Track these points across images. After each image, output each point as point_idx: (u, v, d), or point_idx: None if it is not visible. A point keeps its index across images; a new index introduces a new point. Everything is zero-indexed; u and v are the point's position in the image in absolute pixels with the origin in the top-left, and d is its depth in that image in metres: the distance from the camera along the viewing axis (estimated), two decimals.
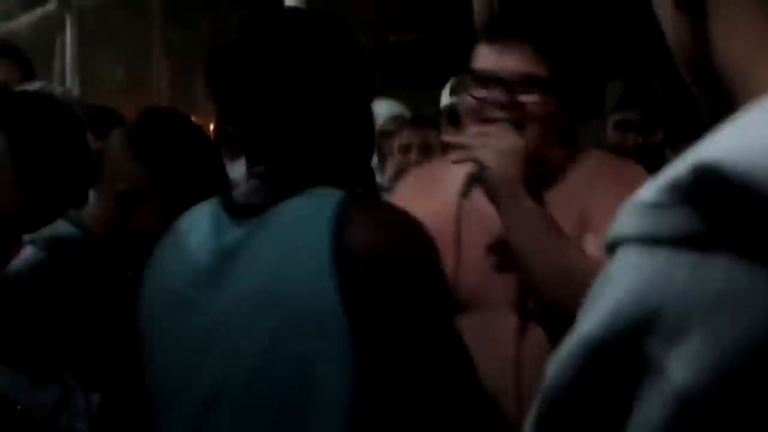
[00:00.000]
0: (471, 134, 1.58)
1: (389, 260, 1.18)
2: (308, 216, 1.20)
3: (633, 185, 1.62)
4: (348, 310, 1.14)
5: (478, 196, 1.58)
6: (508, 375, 1.54)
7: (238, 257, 1.23)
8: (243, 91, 1.30)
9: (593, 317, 0.47)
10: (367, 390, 1.15)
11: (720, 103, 0.54)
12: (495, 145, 1.52)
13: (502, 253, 1.60)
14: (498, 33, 1.64)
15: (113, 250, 1.63)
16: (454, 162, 1.60)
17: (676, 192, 0.45)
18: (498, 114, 1.59)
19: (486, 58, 1.63)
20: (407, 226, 1.23)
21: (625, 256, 0.47)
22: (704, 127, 0.49)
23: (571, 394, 0.47)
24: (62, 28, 9.35)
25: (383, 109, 3.44)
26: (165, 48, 7.57)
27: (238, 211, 1.28)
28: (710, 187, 0.43)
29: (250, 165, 1.34)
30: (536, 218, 1.52)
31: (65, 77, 9.24)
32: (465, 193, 1.58)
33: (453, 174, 1.66)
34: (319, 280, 1.15)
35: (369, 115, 1.38)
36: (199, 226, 1.31)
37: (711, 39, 0.55)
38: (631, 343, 0.45)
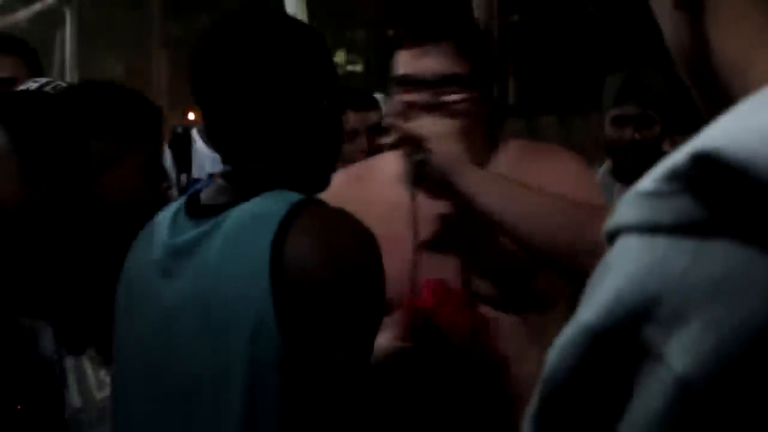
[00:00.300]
0: (410, 126, 1.61)
1: (323, 278, 1.16)
2: (256, 220, 1.20)
3: (558, 163, 1.65)
4: (279, 319, 1.14)
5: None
6: None
7: (188, 256, 1.24)
8: (208, 91, 1.32)
9: (593, 305, 0.47)
10: (295, 397, 1.16)
11: (719, 102, 0.54)
12: (433, 128, 1.57)
13: (455, 239, 1.65)
14: (418, 37, 1.67)
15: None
16: (397, 142, 1.61)
17: (675, 180, 0.45)
18: (425, 116, 1.62)
19: (409, 62, 1.66)
20: (351, 241, 1.20)
21: (625, 245, 0.48)
22: (703, 122, 0.50)
23: (571, 383, 0.47)
24: (62, 22, 9.35)
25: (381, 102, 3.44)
26: (164, 42, 7.55)
27: (197, 211, 1.29)
28: (709, 174, 0.44)
29: (222, 163, 1.36)
30: (497, 178, 1.57)
31: (65, 71, 9.23)
32: (417, 180, 1.61)
33: (381, 170, 1.74)
34: (256, 287, 1.15)
35: (335, 116, 1.38)
36: (163, 222, 1.33)
37: (709, 37, 0.55)
38: (630, 331, 0.45)
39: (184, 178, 3.26)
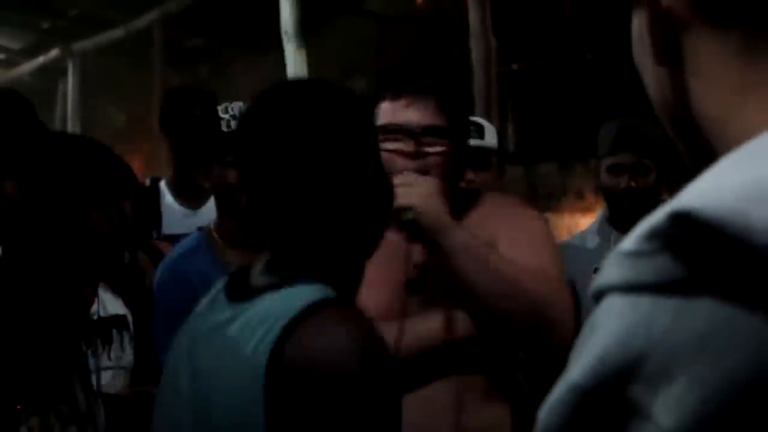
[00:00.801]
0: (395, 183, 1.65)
1: (319, 390, 1.09)
2: (269, 316, 1.15)
3: (524, 214, 1.82)
4: (268, 425, 1.10)
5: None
6: None
7: (207, 347, 1.23)
8: (252, 171, 1.27)
9: (580, 365, 0.48)
10: None
11: (702, 154, 0.56)
12: (418, 189, 1.66)
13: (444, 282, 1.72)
14: (401, 90, 1.79)
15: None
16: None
17: (655, 239, 0.46)
18: (407, 164, 1.73)
19: (392, 113, 1.78)
20: (357, 351, 1.11)
21: (610, 305, 0.48)
22: (692, 172, 0.51)
23: None
24: (64, 74, 9.43)
25: None
26: (165, 91, 7.63)
27: (233, 293, 1.26)
28: (688, 234, 0.44)
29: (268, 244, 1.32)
30: (474, 240, 1.66)
31: (67, 122, 9.29)
32: (409, 236, 1.69)
33: None
34: (250, 386, 1.11)
35: (382, 197, 1.33)
36: (208, 295, 1.31)
37: (690, 92, 0.57)
38: (617, 389, 0.45)
39: (155, 234, 3.07)
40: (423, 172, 1.73)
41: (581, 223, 3.13)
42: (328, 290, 1.18)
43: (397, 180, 1.63)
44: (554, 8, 6.83)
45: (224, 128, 2.18)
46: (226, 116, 2.20)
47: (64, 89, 9.56)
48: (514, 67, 7.83)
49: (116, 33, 8.50)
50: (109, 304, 2.31)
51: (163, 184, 3.19)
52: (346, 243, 1.29)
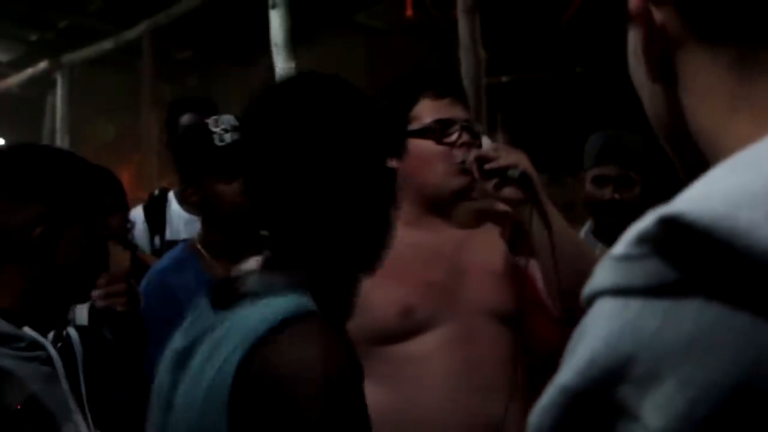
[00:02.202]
0: (494, 147, 1.88)
1: (281, 406, 1.08)
2: (237, 335, 1.14)
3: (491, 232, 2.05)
4: None
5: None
6: None
7: (189, 359, 1.22)
8: (257, 161, 1.26)
9: (570, 367, 0.49)
10: None
11: (696, 167, 0.56)
12: (516, 153, 1.81)
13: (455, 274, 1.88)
14: (445, 90, 1.94)
15: None
16: (497, 166, 1.79)
17: (645, 244, 0.47)
18: (464, 154, 1.85)
19: (438, 110, 1.91)
20: (321, 368, 1.08)
21: (600, 308, 0.49)
22: (683, 183, 0.52)
23: None
24: (53, 85, 9.41)
25: None
26: (154, 103, 7.59)
27: (218, 301, 1.24)
28: (676, 237, 0.46)
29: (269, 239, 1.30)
30: (557, 213, 1.82)
31: (55, 134, 9.27)
32: (530, 199, 1.80)
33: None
34: (217, 411, 1.11)
35: (387, 191, 1.30)
36: (194, 308, 1.30)
37: (684, 107, 0.59)
38: (606, 391, 0.46)
39: (157, 240, 3.19)
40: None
41: None
42: (308, 302, 1.16)
43: (492, 146, 1.86)
44: (544, 21, 6.85)
45: (217, 142, 2.18)
46: (217, 130, 2.20)
47: (52, 101, 9.52)
48: (504, 79, 7.85)
49: (105, 45, 8.49)
50: (79, 312, 2.29)
51: (171, 193, 3.30)
52: (346, 248, 1.26)
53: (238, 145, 2.16)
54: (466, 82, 4.75)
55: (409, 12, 7.31)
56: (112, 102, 9.34)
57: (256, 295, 1.17)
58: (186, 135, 2.41)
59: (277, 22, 5.17)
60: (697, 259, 0.45)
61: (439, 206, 1.92)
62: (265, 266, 1.25)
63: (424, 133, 1.87)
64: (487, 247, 1.96)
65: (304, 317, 1.14)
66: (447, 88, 1.95)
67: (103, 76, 9.33)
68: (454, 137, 1.88)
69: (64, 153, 1.66)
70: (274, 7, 5.18)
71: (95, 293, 1.72)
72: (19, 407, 1.40)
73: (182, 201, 3.17)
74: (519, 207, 1.81)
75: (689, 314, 0.45)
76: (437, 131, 1.88)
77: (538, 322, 1.84)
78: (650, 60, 0.60)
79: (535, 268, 1.85)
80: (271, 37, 5.19)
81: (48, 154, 1.61)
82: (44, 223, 1.49)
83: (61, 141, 8.90)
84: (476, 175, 1.82)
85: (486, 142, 2.70)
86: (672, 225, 0.46)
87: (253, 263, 1.28)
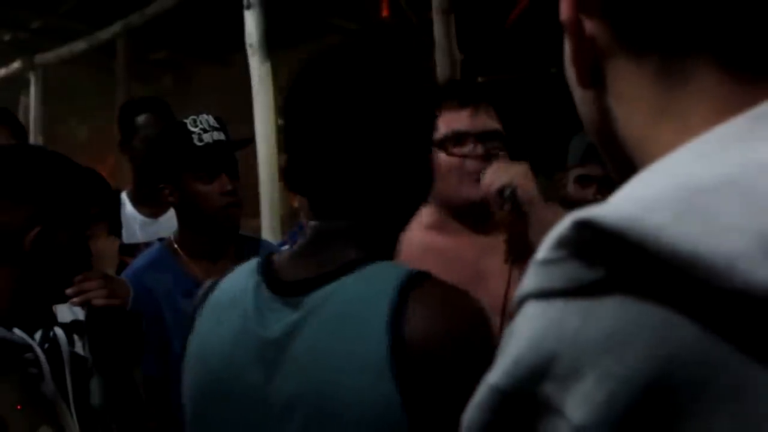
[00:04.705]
0: (493, 169, 1.87)
1: (446, 356, 1.10)
2: (364, 304, 1.12)
3: None
4: (406, 407, 1.08)
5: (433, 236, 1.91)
6: None
7: (287, 347, 1.16)
8: (302, 132, 1.24)
9: (499, 367, 0.51)
10: None
11: (626, 172, 0.59)
12: (515, 169, 1.83)
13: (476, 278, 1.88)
14: (465, 100, 1.94)
15: None
16: (491, 185, 1.84)
17: (563, 247, 0.49)
18: (478, 166, 1.88)
19: (458, 120, 1.92)
20: (469, 317, 1.14)
21: (526, 311, 0.52)
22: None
23: None
24: (26, 86, 9.33)
25: None
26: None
27: (281, 288, 1.21)
28: (591, 240, 0.48)
29: (311, 216, 1.28)
30: (554, 211, 1.81)
31: (29, 134, 9.18)
32: (511, 208, 1.83)
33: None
34: (377, 374, 1.09)
35: (428, 170, 1.31)
36: (240, 301, 1.24)
37: (612, 113, 0.62)
38: (531, 388, 0.49)
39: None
40: None
41: None
42: (401, 270, 1.16)
43: (492, 167, 1.85)
44: (519, 22, 6.87)
45: (196, 142, 2.17)
46: (196, 129, 2.19)
47: (26, 101, 9.44)
48: (479, 80, 7.87)
49: (79, 45, 8.42)
50: (60, 312, 2.28)
51: (124, 195, 3.20)
52: (390, 214, 1.27)
53: (217, 146, 2.17)
54: (442, 83, 4.76)
55: (384, 13, 7.31)
56: (86, 102, 9.28)
57: (349, 268, 1.17)
58: (163, 134, 2.41)
59: (252, 22, 5.16)
60: (612, 260, 0.47)
61: (459, 214, 1.95)
62: (324, 238, 1.23)
63: (437, 144, 1.88)
64: (497, 252, 1.97)
65: (419, 276, 1.15)
66: (466, 98, 1.96)
67: (77, 77, 9.26)
68: (467, 149, 1.90)
69: (57, 156, 1.65)
70: (249, 7, 5.17)
71: (69, 291, 1.71)
72: (19, 408, 1.39)
73: (140, 202, 3.13)
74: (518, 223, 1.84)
75: (608, 312, 0.47)
76: (449, 143, 1.91)
77: None
78: (580, 68, 0.63)
79: None
80: (246, 38, 5.18)
81: (43, 156, 1.60)
82: (38, 226, 1.48)
83: (34, 141, 8.82)
84: (488, 195, 1.86)
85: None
86: (586, 228, 0.48)
87: None
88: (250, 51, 5.15)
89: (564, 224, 0.49)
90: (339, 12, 8.01)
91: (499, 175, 1.83)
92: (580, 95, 0.66)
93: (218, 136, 2.21)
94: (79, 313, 2.38)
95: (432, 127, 1.31)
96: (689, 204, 0.46)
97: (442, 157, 1.90)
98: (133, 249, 2.79)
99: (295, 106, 1.25)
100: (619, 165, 0.64)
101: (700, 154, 0.51)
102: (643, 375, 0.44)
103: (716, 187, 0.47)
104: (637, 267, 0.46)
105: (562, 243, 0.49)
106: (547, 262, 0.50)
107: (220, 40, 7.58)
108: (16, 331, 1.49)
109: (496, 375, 0.51)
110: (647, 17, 0.56)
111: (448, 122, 1.92)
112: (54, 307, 1.82)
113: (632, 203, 0.48)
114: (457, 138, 1.92)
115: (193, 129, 2.19)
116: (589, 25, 0.60)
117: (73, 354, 1.68)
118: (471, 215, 1.96)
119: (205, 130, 2.18)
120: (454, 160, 1.91)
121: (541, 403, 0.48)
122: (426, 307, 1.12)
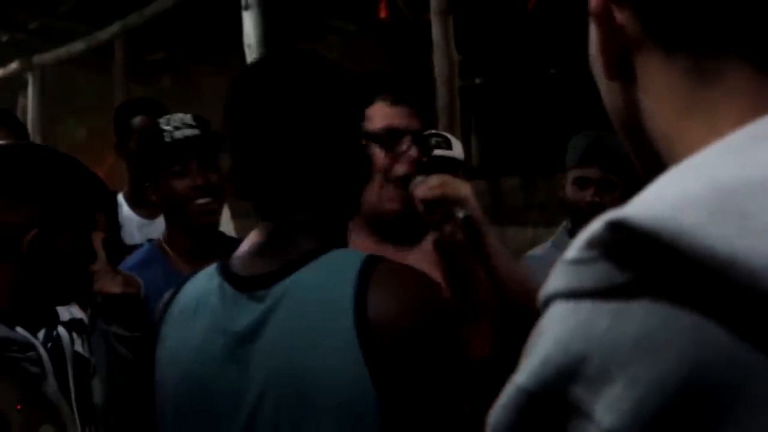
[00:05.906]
0: (435, 184, 1.76)
1: (409, 329, 1.15)
2: (328, 290, 1.17)
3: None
4: (375, 383, 1.12)
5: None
6: None
7: (256, 339, 1.20)
8: (245, 133, 1.29)
9: (526, 368, 0.50)
10: None
11: (653, 167, 0.58)
12: (463, 186, 1.76)
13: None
14: (402, 97, 1.81)
15: None
16: (441, 199, 1.75)
17: (594, 247, 0.48)
18: (408, 168, 1.77)
19: (392, 117, 1.79)
20: (426, 292, 1.21)
21: (554, 311, 0.51)
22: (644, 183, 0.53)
23: None
24: (24, 87, 9.33)
25: None
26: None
27: (244, 284, 1.24)
28: (623, 241, 0.47)
29: (260, 218, 1.32)
30: (500, 242, 1.78)
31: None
32: (464, 230, 1.76)
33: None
34: (346, 356, 1.13)
35: (366, 161, 1.38)
36: (206, 303, 1.27)
37: (641, 106, 0.60)
38: (560, 390, 0.48)
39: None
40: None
41: (544, 237, 3.13)
42: (359, 255, 1.22)
43: (434, 179, 1.75)
44: (517, 22, 6.88)
45: (166, 139, 2.19)
46: (168, 128, 2.21)
47: (24, 102, 9.45)
48: (477, 81, 7.87)
49: (77, 46, 8.43)
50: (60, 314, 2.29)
51: (120, 196, 3.21)
52: (338, 204, 1.32)
53: (187, 142, 2.19)
54: (440, 84, 4.76)
55: (382, 14, 7.32)
56: (84, 103, 9.29)
57: (307, 258, 1.21)
58: (141, 136, 2.44)
59: (250, 23, 5.16)
60: (644, 262, 0.46)
61: (377, 224, 1.82)
62: (279, 234, 1.28)
63: (371, 137, 1.72)
64: (425, 266, 1.82)
65: (377, 261, 1.21)
66: (406, 96, 1.83)
67: (75, 77, 9.27)
68: (402, 148, 1.77)
69: (65, 157, 1.65)
70: (247, 8, 5.17)
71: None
72: (19, 408, 1.39)
73: (136, 203, 3.14)
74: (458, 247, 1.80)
75: (637, 315, 0.46)
76: (385, 139, 1.77)
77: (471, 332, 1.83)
78: (607, 59, 0.61)
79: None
80: (244, 39, 5.18)
81: (50, 156, 1.59)
82: (39, 225, 1.48)
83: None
84: (418, 206, 1.74)
85: (457, 146, 2.69)
86: (619, 228, 0.47)
87: None
88: (248, 51, 5.15)
89: (596, 224, 0.49)
90: (337, 13, 8.02)
91: (452, 188, 1.73)
92: (606, 86, 0.64)
93: (191, 132, 2.21)
94: (76, 312, 2.39)
95: (360, 118, 1.35)
96: (724, 204, 0.45)
97: (377, 154, 1.77)
98: (134, 250, 2.80)
99: (237, 115, 1.30)
100: (644, 158, 0.63)
101: (732, 152, 0.50)
102: (674, 380, 0.44)
103: (751, 187, 0.46)
104: (668, 269, 0.45)
105: (594, 243, 0.48)
106: (577, 262, 0.49)
107: (218, 41, 7.60)
108: (19, 329, 1.49)
109: (523, 376, 0.50)
110: (679, 14, 0.56)
111: (383, 117, 1.78)
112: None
113: (665, 202, 0.47)
114: (393, 135, 1.77)
115: (165, 127, 2.21)
116: (620, 16, 0.59)
117: (76, 353, 1.67)
118: (390, 227, 1.81)
119: (177, 128, 2.20)
120: (382, 158, 1.76)
121: (569, 405, 0.47)
122: (385, 287, 1.16)
